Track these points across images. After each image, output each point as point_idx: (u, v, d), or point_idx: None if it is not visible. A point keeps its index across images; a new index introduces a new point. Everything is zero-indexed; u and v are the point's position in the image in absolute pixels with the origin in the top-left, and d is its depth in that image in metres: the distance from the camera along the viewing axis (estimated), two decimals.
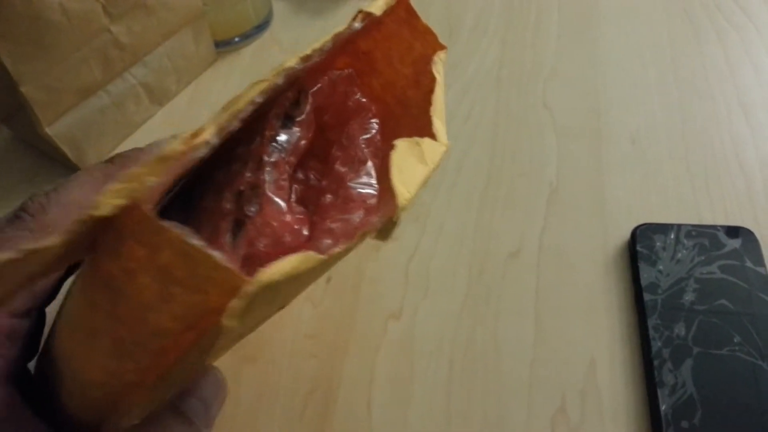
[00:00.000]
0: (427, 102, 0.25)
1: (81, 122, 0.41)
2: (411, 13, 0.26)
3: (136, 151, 0.25)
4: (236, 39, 0.51)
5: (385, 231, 0.23)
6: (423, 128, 0.24)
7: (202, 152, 0.18)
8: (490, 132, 0.44)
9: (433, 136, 0.23)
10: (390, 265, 0.37)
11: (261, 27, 0.52)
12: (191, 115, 0.47)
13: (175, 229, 0.16)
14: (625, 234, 0.37)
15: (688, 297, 0.34)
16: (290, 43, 0.51)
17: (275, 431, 0.32)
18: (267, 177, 0.22)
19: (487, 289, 0.36)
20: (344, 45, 0.24)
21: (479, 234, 0.39)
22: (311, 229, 0.22)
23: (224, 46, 0.50)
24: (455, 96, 0.46)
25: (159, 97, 0.46)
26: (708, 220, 0.38)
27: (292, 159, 0.23)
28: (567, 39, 0.50)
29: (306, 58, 0.21)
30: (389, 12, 0.25)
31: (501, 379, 0.33)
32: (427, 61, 0.26)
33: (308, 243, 0.21)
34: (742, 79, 0.46)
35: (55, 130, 0.40)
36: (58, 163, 0.44)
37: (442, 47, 0.26)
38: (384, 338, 0.35)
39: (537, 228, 0.39)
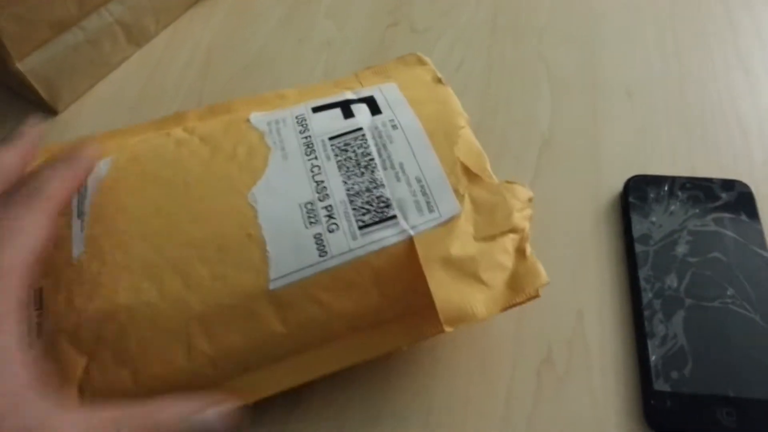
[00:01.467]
0: None
1: (54, 59, 0.39)
2: None
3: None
4: None
5: None
6: None
7: None
8: (482, 81, 0.42)
9: None
10: None
11: None
12: (169, 57, 0.45)
13: None
14: (618, 186, 0.36)
15: (681, 249, 0.33)
16: None
17: None
18: None
19: None
20: None
21: None
22: None
23: None
24: (448, 43, 0.45)
25: (136, 37, 0.44)
26: (703, 173, 0.37)
27: None
28: None
29: None
30: None
31: (487, 329, 0.32)
32: None
33: None
34: (741, 34, 0.44)
35: (27, 66, 0.38)
36: (31, 104, 0.42)
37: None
38: None
39: (527, 178, 0.37)
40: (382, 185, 0.28)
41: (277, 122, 0.31)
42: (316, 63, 0.44)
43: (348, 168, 0.29)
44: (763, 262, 0.32)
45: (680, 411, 0.28)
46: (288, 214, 0.27)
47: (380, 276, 0.27)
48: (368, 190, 0.28)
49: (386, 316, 0.27)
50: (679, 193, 0.35)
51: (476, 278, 0.27)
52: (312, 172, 0.29)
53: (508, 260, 0.27)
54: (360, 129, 0.30)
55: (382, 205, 0.28)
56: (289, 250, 0.27)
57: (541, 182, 0.37)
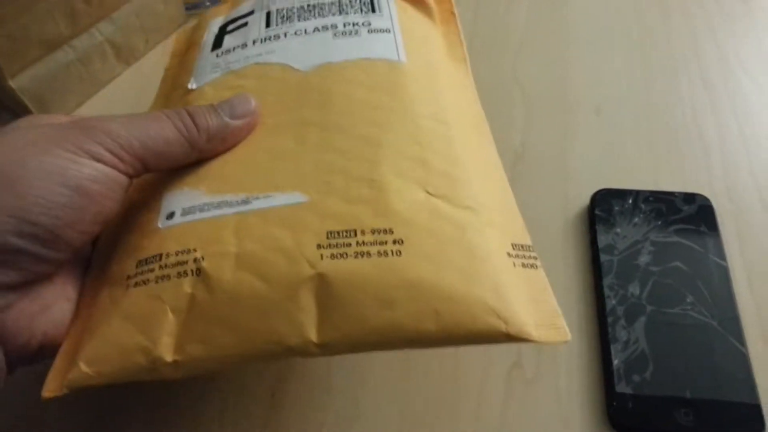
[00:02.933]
0: None
1: (45, 77, 0.41)
2: None
3: None
4: (206, 2, 0.50)
5: None
6: None
7: None
8: None
9: None
10: None
11: None
12: (158, 77, 0.46)
13: None
14: (586, 199, 0.38)
15: (644, 258, 0.35)
16: None
17: None
18: None
19: None
20: None
21: None
22: None
23: (194, 8, 0.50)
24: None
25: (126, 55, 0.45)
26: (666, 187, 0.39)
27: None
28: (537, 13, 0.50)
29: None
30: None
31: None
32: None
33: None
34: (704, 55, 0.47)
35: (19, 83, 0.40)
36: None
37: None
38: None
39: None
40: None
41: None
42: None
43: None
44: (721, 271, 0.34)
45: (641, 412, 0.30)
46: None
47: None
48: None
49: None
50: (643, 206, 0.37)
51: None
52: None
53: None
54: None
55: None
56: None
57: (513, 195, 0.39)
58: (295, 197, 0.24)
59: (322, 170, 0.25)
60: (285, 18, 0.32)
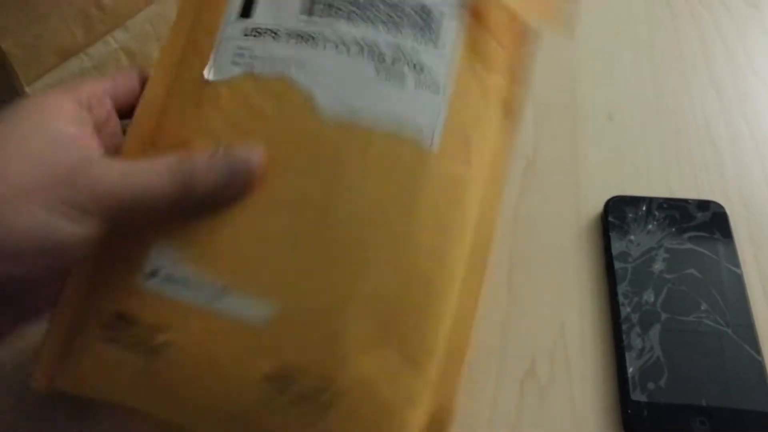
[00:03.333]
0: None
1: (61, 84, 0.41)
2: None
3: None
4: None
5: None
6: None
7: None
8: None
9: None
10: None
11: None
12: None
13: None
14: (599, 206, 0.38)
15: (658, 266, 0.35)
16: None
17: None
18: None
19: None
20: None
21: None
22: None
23: None
24: None
25: (140, 62, 0.46)
26: (679, 193, 0.39)
27: None
28: None
29: None
30: None
31: (474, 343, 0.34)
32: None
33: None
34: (714, 59, 0.47)
35: (35, 90, 0.40)
36: None
37: None
38: None
39: (512, 199, 0.39)
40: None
41: None
42: None
43: None
44: (735, 279, 0.34)
45: (656, 420, 0.30)
46: None
47: None
48: None
49: None
50: (657, 213, 0.37)
51: None
52: None
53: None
54: None
55: None
56: None
57: (525, 202, 0.39)
58: (265, 308, 0.25)
59: (301, 279, 0.25)
60: (331, 7, 0.28)
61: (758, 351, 0.31)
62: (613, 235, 0.36)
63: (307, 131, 0.26)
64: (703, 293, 0.34)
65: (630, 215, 0.37)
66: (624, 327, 0.33)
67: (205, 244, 0.26)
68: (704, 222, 0.36)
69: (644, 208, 0.37)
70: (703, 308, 0.33)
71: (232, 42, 0.28)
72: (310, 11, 0.28)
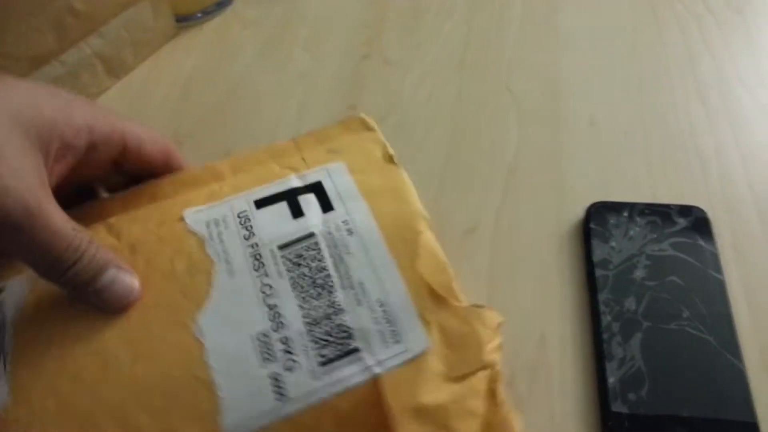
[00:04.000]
0: None
1: None
2: None
3: None
4: (198, 14, 0.50)
5: None
6: None
7: None
8: (451, 114, 0.44)
9: None
10: None
11: (223, 3, 0.51)
12: (148, 90, 0.46)
13: None
14: (580, 213, 0.37)
15: (639, 273, 0.34)
16: (252, 20, 0.51)
17: None
18: None
19: None
20: None
21: (436, 212, 0.38)
22: None
23: (186, 20, 0.50)
24: (418, 75, 0.46)
25: (115, 69, 0.45)
26: (663, 199, 0.38)
27: None
28: (530, 24, 0.50)
29: None
30: None
31: None
32: None
33: None
34: (700, 68, 0.46)
35: None
36: None
37: None
38: None
39: (493, 206, 0.39)
40: (342, 310, 0.26)
41: (217, 223, 0.28)
42: (293, 94, 0.46)
43: (303, 287, 0.26)
44: (717, 285, 0.33)
45: (637, 431, 0.29)
46: (240, 349, 0.24)
47: (345, 421, 0.24)
48: (327, 317, 0.25)
49: None
50: (638, 219, 0.36)
51: (448, 430, 0.24)
52: (263, 293, 0.26)
53: (479, 405, 0.25)
54: (312, 235, 0.28)
55: (343, 335, 0.25)
56: (242, 393, 0.24)
57: (506, 209, 0.38)
58: None
59: None
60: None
61: (740, 359, 0.31)
62: (594, 241, 0.35)
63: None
64: (685, 300, 0.33)
65: (611, 221, 0.36)
66: (604, 336, 0.32)
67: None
68: (686, 227, 0.36)
69: (626, 214, 0.36)
70: (684, 316, 0.32)
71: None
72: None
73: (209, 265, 0.27)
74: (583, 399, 0.31)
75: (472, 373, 0.25)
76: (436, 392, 0.24)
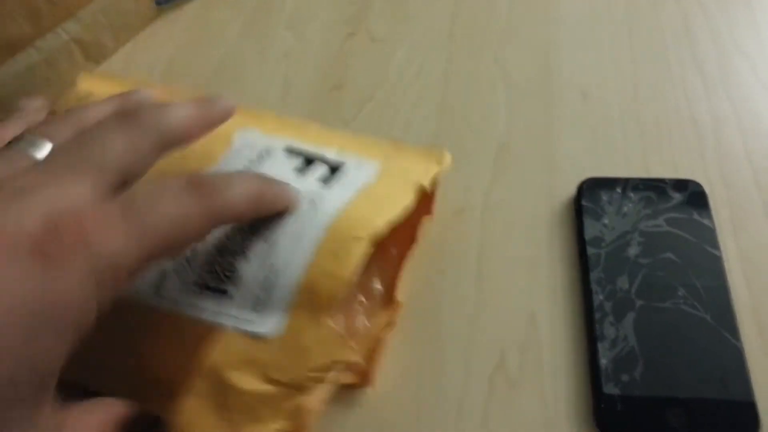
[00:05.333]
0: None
1: (9, 80, 0.39)
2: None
3: None
4: None
5: None
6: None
7: None
8: (440, 88, 0.43)
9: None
10: None
11: None
12: (130, 73, 0.45)
13: None
14: (572, 188, 0.36)
15: (633, 250, 0.33)
16: (234, 1, 0.49)
17: None
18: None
19: (430, 247, 0.35)
20: None
21: None
22: None
23: (167, 3, 0.48)
24: (406, 51, 0.45)
25: (94, 53, 0.44)
26: (658, 174, 0.37)
27: None
28: None
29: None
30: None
31: (440, 337, 0.32)
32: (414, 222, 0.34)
33: None
34: (697, 37, 0.45)
35: None
36: None
37: (431, 213, 0.35)
38: None
39: (484, 184, 0.38)
40: (244, 256, 0.27)
41: (246, 146, 0.31)
42: (276, 73, 0.45)
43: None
44: (714, 261, 0.32)
45: (630, 414, 0.28)
46: None
47: (175, 343, 0.26)
48: (231, 253, 0.27)
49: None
50: (632, 195, 0.35)
51: (230, 415, 0.26)
52: None
53: (271, 418, 0.26)
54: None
55: (227, 275, 0.27)
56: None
57: (497, 188, 0.37)
58: None
59: None
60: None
61: (737, 337, 0.30)
62: (586, 219, 0.34)
63: None
64: (681, 278, 0.32)
65: (604, 198, 0.35)
66: (597, 316, 0.31)
67: None
68: (682, 202, 0.35)
69: (619, 190, 0.35)
70: (680, 294, 0.31)
71: None
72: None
73: (213, 160, 0.30)
74: (575, 380, 0.30)
75: (284, 386, 0.26)
76: (247, 378, 0.25)
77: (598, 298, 0.31)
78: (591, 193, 0.35)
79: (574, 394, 0.30)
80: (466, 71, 0.44)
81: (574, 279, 0.33)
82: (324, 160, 0.31)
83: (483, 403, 0.30)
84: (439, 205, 0.36)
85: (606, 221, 0.34)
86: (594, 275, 0.32)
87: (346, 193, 0.29)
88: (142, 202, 0.21)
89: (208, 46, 0.47)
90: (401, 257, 0.34)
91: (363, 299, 0.32)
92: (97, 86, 0.35)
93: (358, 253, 0.26)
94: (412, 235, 0.34)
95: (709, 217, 0.34)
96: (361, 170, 0.30)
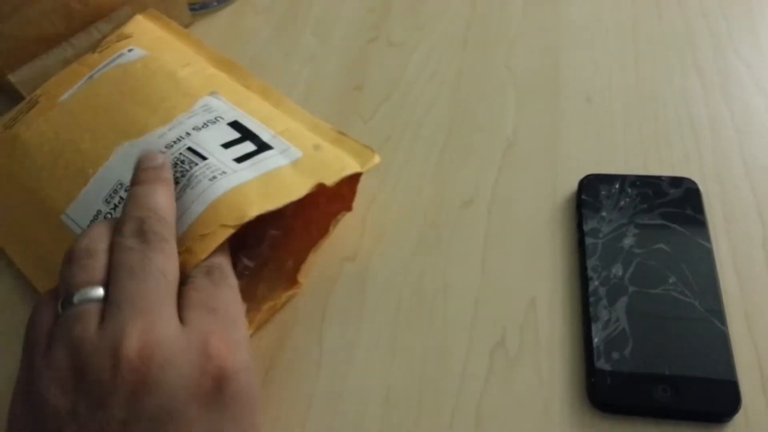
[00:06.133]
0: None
1: (44, 72, 0.43)
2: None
3: None
4: (214, 2, 0.52)
5: None
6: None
7: None
8: (452, 91, 0.45)
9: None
10: (349, 213, 0.39)
11: None
12: None
13: None
14: (574, 185, 0.39)
15: (628, 241, 0.35)
16: (264, 7, 0.53)
17: None
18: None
19: (438, 236, 0.38)
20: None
21: (435, 185, 0.40)
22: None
23: (203, 8, 0.52)
24: (423, 55, 0.48)
25: None
26: (656, 173, 0.39)
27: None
28: (533, 4, 0.51)
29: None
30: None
31: (445, 316, 0.35)
32: (331, 215, 0.37)
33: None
34: (697, 40, 0.47)
35: (18, 77, 0.42)
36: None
37: (350, 210, 0.38)
38: (338, 280, 0.37)
39: (491, 179, 0.40)
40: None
41: (202, 111, 0.36)
42: (301, 75, 0.48)
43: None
44: (704, 252, 0.35)
45: (620, 388, 0.30)
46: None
47: None
48: None
49: None
50: (629, 190, 0.37)
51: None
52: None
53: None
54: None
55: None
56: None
57: (503, 183, 0.40)
58: None
59: None
60: None
61: (723, 322, 0.32)
62: (585, 211, 0.37)
63: None
64: (672, 267, 0.34)
65: (603, 193, 0.38)
66: (591, 300, 0.33)
67: None
68: (676, 198, 0.37)
69: (617, 186, 0.38)
70: (670, 281, 0.34)
71: None
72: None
73: (169, 119, 0.36)
74: (570, 358, 0.32)
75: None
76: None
77: (594, 283, 0.34)
78: (591, 188, 0.38)
79: (568, 370, 0.32)
80: (478, 74, 0.46)
81: (573, 267, 0.36)
82: (254, 140, 0.35)
83: (484, 377, 0.32)
84: (448, 196, 0.39)
85: (604, 214, 0.37)
86: (591, 263, 0.35)
87: (250, 174, 0.33)
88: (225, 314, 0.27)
89: (239, 49, 0.50)
90: (312, 243, 0.36)
91: (249, 264, 0.37)
92: (140, 30, 0.43)
93: (219, 238, 0.30)
94: (326, 226, 0.37)
95: (702, 212, 0.36)
96: (281, 156, 0.34)
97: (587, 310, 0.33)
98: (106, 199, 0.33)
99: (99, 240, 0.28)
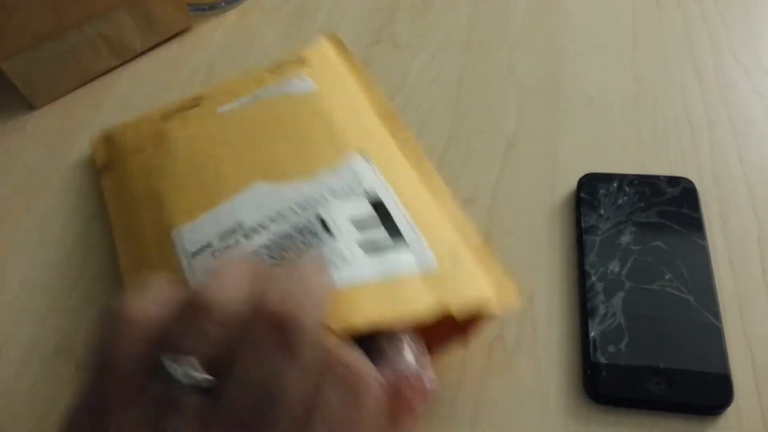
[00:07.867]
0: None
1: (35, 63, 0.45)
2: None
3: None
4: (222, 3, 0.53)
5: None
6: None
7: None
8: (454, 93, 0.46)
9: None
10: None
11: None
12: (173, 73, 0.49)
13: None
14: (574, 184, 0.40)
15: (625, 238, 0.36)
16: (272, 8, 0.54)
17: None
18: None
19: None
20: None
21: None
22: None
23: (211, 9, 0.53)
24: (426, 58, 0.49)
25: (120, 50, 0.48)
26: (654, 172, 0.40)
27: None
28: (536, 8, 0.52)
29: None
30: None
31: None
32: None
33: None
34: (698, 49, 0.48)
35: (11, 66, 0.44)
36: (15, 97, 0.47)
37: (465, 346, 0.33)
38: None
39: (492, 179, 0.41)
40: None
41: (347, 174, 0.33)
42: None
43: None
44: (700, 250, 0.35)
45: (615, 381, 0.31)
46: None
47: None
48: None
49: None
50: (627, 189, 0.38)
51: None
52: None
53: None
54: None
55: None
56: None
57: (503, 183, 0.41)
58: None
59: None
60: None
61: (717, 317, 0.33)
62: (583, 209, 0.38)
63: None
64: (668, 263, 0.35)
65: (601, 191, 0.38)
66: (588, 295, 0.34)
67: None
68: (674, 197, 0.38)
69: (615, 185, 0.39)
70: (666, 277, 0.34)
71: None
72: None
73: (314, 170, 0.34)
74: (567, 351, 0.33)
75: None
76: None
77: (591, 279, 0.35)
78: (589, 186, 0.39)
79: (565, 363, 0.33)
80: (480, 76, 0.47)
81: (571, 263, 0.36)
82: (390, 229, 0.31)
83: (482, 369, 0.33)
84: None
85: (602, 212, 0.37)
86: (588, 259, 0.35)
87: (373, 273, 0.28)
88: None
89: (246, 50, 0.51)
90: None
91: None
92: (319, 58, 0.44)
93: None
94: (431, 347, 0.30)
95: (698, 211, 0.37)
96: (414, 261, 0.30)
97: (584, 305, 0.34)
98: (222, 236, 0.30)
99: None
